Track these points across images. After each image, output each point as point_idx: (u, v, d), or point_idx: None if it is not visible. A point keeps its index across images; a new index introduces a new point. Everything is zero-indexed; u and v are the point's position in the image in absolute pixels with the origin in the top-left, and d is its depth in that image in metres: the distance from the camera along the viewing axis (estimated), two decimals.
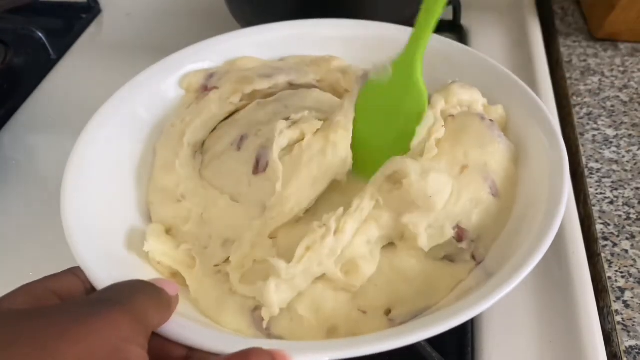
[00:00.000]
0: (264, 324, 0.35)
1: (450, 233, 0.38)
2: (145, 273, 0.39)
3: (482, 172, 0.40)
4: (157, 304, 0.28)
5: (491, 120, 0.43)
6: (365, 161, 0.41)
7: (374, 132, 0.42)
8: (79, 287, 0.30)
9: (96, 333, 0.23)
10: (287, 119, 0.43)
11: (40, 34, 0.72)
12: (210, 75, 0.51)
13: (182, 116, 0.48)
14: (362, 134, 0.42)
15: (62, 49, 0.74)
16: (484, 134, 0.41)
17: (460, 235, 0.38)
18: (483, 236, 0.39)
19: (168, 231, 0.43)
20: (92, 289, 0.32)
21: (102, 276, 0.32)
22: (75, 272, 0.31)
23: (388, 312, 0.36)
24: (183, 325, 0.31)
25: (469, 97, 0.44)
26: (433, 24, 0.38)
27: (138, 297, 0.27)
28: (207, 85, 0.51)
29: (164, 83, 0.50)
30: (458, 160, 0.40)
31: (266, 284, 0.34)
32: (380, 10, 0.62)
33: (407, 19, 0.65)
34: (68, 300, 0.28)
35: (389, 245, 0.39)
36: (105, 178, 0.42)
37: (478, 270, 0.38)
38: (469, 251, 0.38)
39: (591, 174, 0.52)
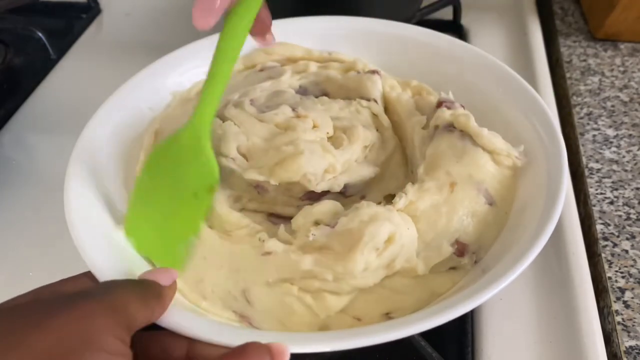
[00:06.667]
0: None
1: (448, 250, 0.37)
2: (149, 266, 0.38)
3: (473, 183, 0.39)
4: (140, 297, 0.28)
5: (461, 131, 0.41)
6: (145, 236, 0.36)
7: (159, 204, 0.35)
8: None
9: (67, 324, 0.23)
10: None
11: (40, 34, 0.72)
12: None
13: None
14: (145, 204, 0.35)
15: (62, 49, 0.75)
16: (455, 146, 0.40)
17: (461, 250, 0.37)
18: (484, 244, 0.38)
19: None
20: None
21: (107, 270, 0.33)
22: (89, 275, 0.32)
23: (387, 313, 0.36)
24: (181, 317, 0.31)
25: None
26: (228, 73, 0.32)
27: (116, 291, 0.27)
28: None
29: (166, 79, 0.51)
30: (443, 181, 0.39)
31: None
32: (379, 8, 0.62)
33: (408, 17, 0.65)
34: None
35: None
36: (107, 173, 0.42)
37: (475, 268, 0.37)
38: (472, 261, 0.38)
39: (591, 174, 0.52)
